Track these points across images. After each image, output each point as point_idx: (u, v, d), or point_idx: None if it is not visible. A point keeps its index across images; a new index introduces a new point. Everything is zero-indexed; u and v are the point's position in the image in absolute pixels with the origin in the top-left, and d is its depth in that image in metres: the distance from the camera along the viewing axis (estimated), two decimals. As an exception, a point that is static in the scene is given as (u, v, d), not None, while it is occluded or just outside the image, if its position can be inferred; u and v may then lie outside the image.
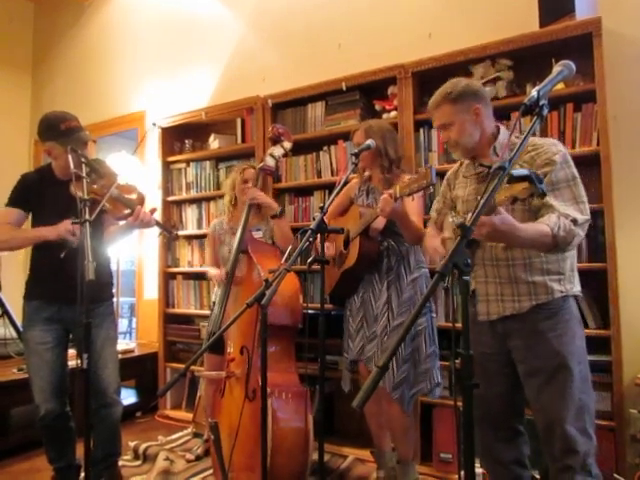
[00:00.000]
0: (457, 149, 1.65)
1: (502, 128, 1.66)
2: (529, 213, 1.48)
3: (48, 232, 2.01)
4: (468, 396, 0.99)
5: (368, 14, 3.12)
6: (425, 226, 2.13)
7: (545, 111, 1.21)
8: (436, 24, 2.88)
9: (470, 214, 1.14)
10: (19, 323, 3.17)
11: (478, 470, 2.19)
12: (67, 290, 1.89)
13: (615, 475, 2.03)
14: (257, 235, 2.62)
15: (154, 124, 3.64)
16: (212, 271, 2.63)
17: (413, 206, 2.09)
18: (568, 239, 1.38)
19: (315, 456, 2.08)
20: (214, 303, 2.64)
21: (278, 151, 2.55)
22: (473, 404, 1.57)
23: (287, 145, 2.57)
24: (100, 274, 1.90)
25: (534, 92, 1.21)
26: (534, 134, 1.60)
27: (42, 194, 2.14)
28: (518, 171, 1.10)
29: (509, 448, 1.63)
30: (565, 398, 1.46)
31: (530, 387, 1.53)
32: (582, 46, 2.20)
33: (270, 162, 2.52)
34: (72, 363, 2.25)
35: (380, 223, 2.11)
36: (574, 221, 1.39)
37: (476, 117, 1.60)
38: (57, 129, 2.04)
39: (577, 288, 1.58)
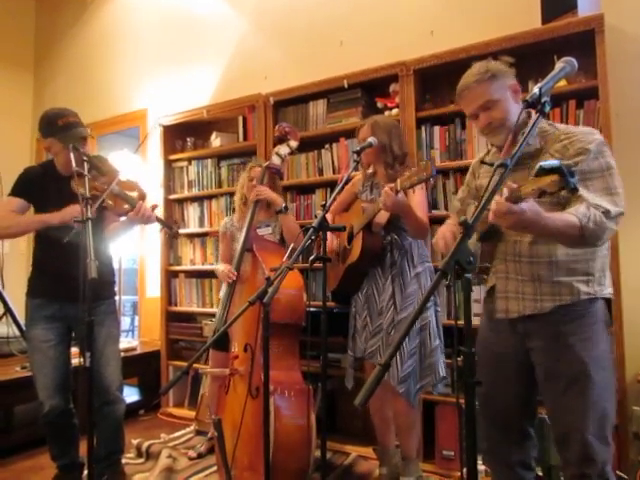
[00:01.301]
0: (502, 131, 1.49)
1: (533, 114, 1.54)
2: (557, 207, 1.36)
3: (52, 217, 2.02)
4: (470, 393, 0.99)
5: (370, 11, 3.12)
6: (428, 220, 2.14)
7: (547, 108, 1.20)
8: (438, 21, 2.87)
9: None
10: (22, 321, 3.18)
11: (480, 467, 2.19)
12: (69, 288, 1.90)
13: (617, 472, 2.03)
14: (266, 231, 2.63)
15: (160, 125, 3.63)
16: (220, 266, 2.60)
17: (416, 201, 2.09)
18: (598, 232, 1.26)
19: (317, 453, 2.08)
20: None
21: (284, 150, 2.55)
22: (484, 403, 1.56)
23: (293, 144, 2.57)
24: (102, 272, 1.90)
25: (536, 89, 1.20)
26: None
27: (45, 188, 2.15)
28: (547, 162, 1.03)
29: (517, 450, 1.57)
30: (586, 406, 1.38)
31: (548, 391, 1.46)
32: (584, 43, 2.19)
33: (276, 161, 2.52)
34: (75, 361, 2.27)
35: (383, 217, 2.11)
36: (606, 213, 1.27)
37: (515, 94, 1.49)
38: (55, 125, 2.06)
39: (608, 290, 1.46)
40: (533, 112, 1.44)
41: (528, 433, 1.58)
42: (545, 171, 1.03)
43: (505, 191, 1.16)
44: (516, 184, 1.14)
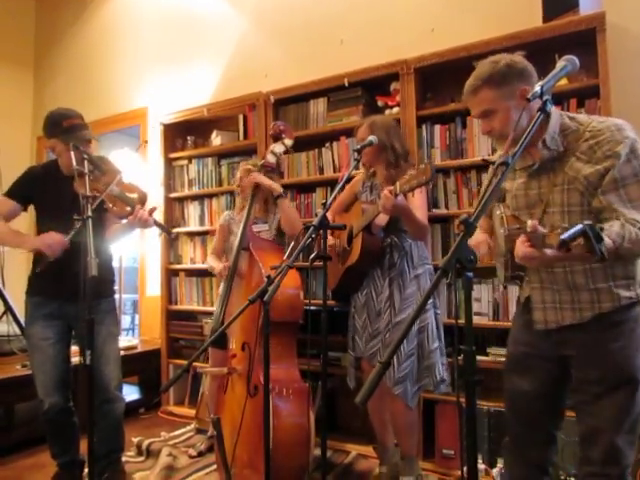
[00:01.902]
0: (502, 141, 1.42)
1: (553, 114, 1.36)
2: (589, 217, 1.28)
3: (28, 242, 2.08)
4: (471, 393, 0.99)
5: (370, 9, 3.11)
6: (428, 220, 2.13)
7: (549, 106, 1.20)
8: (439, 19, 2.86)
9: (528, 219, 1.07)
10: (22, 319, 3.18)
11: (480, 467, 2.20)
12: (69, 286, 1.90)
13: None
14: (263, 227, 2.63)
15: (161, 124, 3.63)
16: (216, 265, 2.66)
17: (416, 201, 2.09)
18: (634, 250, 1.19)
19: (317, 452, 2.08)
20: None
21: (279, 148, 2.56)
22: (511, 399, 1.55)
23: (288, 142, 2.58)
24: (102, 271, 1.90)
25: (537, 87, 1.20)
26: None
27: (46, 188, 2.16)
28: (568, 234, 0.96)
29: (538, 452, 1.53)
30: (624, 411, 1.34)
31: (583, 393, 1.40)
32: (586, 41, 2.19)
33: (271, 159, 2.53)
34: (75, 359, 2.28)
35: (382, 220, 2.11)
36: None
37: (525, 100, 1.31)
38: (59, 126, 2.07)
39: None
40: (554, 112, 1.36)
41: (553, 436, 1.54)
42: (570, 240, 0.96)
43: (529, 225, 1.11)
44: (543, 230, 1.09)
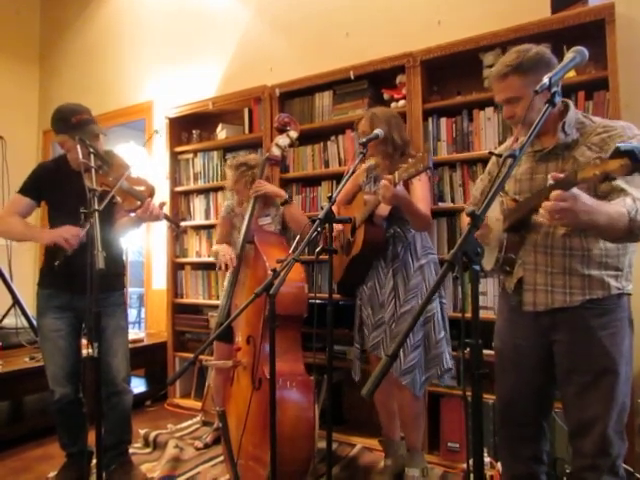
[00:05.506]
0: (523, 127, 1.48)
1: (571, 104, 1.46)
2: (596, 198, 1.29)
3: (43, 236, 2.10)
4: (477, 386, 0.99)
5: (376, 1, 3.09)
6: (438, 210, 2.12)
7: (557, 99, 1.19)
8: (445, 11, 2.84)
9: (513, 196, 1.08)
10: (30, 312, 3.21)
11: (486, 459, 2.20)
12: (79, 279, 1.91)
13: (624, 466, 2.02)
14: (266, 221, 2.62)
15: (167, 117, 3.63)
16: (221, 248, 2.51)
17: (419, 192, 2.08)
18: None
19: (322, 444, 2.09)
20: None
21: (284, 141, 2.55)
22: (502, 397, 1.57)
23: (293, 134, 2.56)
24: (112, 264, 1.91)
25: (545, 79, 1.19)
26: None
27: (56, 183, 2.17)
28: (624, 145, 0.95)
29: (530, 444, 1.57)
30: (610, 400, 1.38)
31: (570, 384, 1.44)
32: (594, 33, 2.16)
33: (276, 152, 2.52)
34: (83, 352, 2.30)
35: (384, 210, 2.10)
36: None
37: (547, 90, 1.33)
38: (68, 122, 2.06)
39: (631, 286, 1.45)
40: (570, 102, 1.47)
41: (543, 427, 1.57)
42: (620, 154, 0.95)
43: (550, 179, 1.16)
44: (565, 172, 1.14)
